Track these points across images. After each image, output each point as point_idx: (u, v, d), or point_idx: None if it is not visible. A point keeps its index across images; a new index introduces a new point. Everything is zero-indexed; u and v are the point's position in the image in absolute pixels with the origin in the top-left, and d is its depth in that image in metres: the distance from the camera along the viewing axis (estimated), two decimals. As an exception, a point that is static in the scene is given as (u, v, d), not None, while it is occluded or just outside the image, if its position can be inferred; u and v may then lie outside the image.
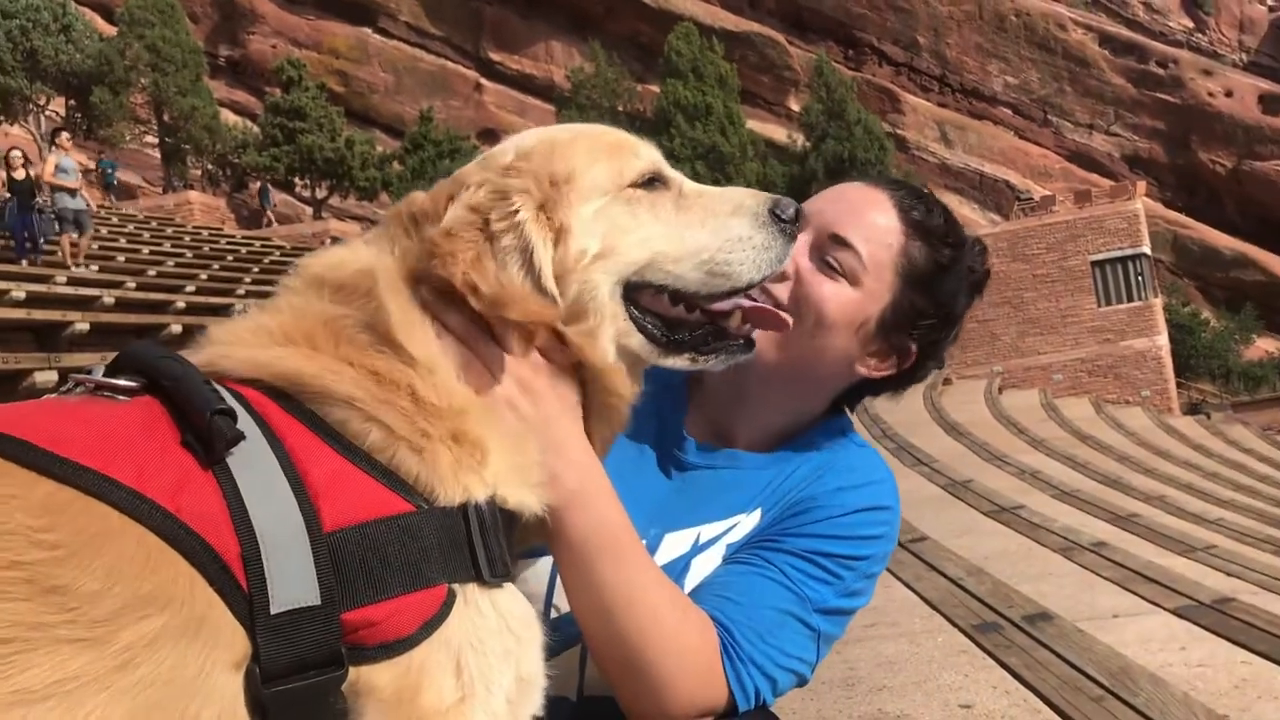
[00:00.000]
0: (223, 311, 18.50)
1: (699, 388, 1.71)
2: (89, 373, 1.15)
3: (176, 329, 15.07)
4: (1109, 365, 36.85)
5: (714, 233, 1.35)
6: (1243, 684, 4.05)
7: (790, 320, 1.48)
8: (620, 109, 47.40)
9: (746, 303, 1.42)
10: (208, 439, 1.03)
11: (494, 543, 1.14)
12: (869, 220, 1.61)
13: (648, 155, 1.40)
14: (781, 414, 1.66)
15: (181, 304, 17.62)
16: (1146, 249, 37.54)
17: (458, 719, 1.06)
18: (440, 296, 1.23)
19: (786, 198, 1.40)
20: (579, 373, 1.34)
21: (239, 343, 1.17)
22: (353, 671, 1.04)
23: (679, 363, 1.38)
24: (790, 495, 1.59)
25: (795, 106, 54.61)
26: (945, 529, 8.33)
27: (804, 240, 1.59)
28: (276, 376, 1.12)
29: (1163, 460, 19.97)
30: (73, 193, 17.97)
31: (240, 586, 0.99)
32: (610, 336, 1.32)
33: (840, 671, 4.36)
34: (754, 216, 1.37)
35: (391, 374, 1.15)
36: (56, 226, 18.54)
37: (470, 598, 1.11)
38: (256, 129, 46.74)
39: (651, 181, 1.37)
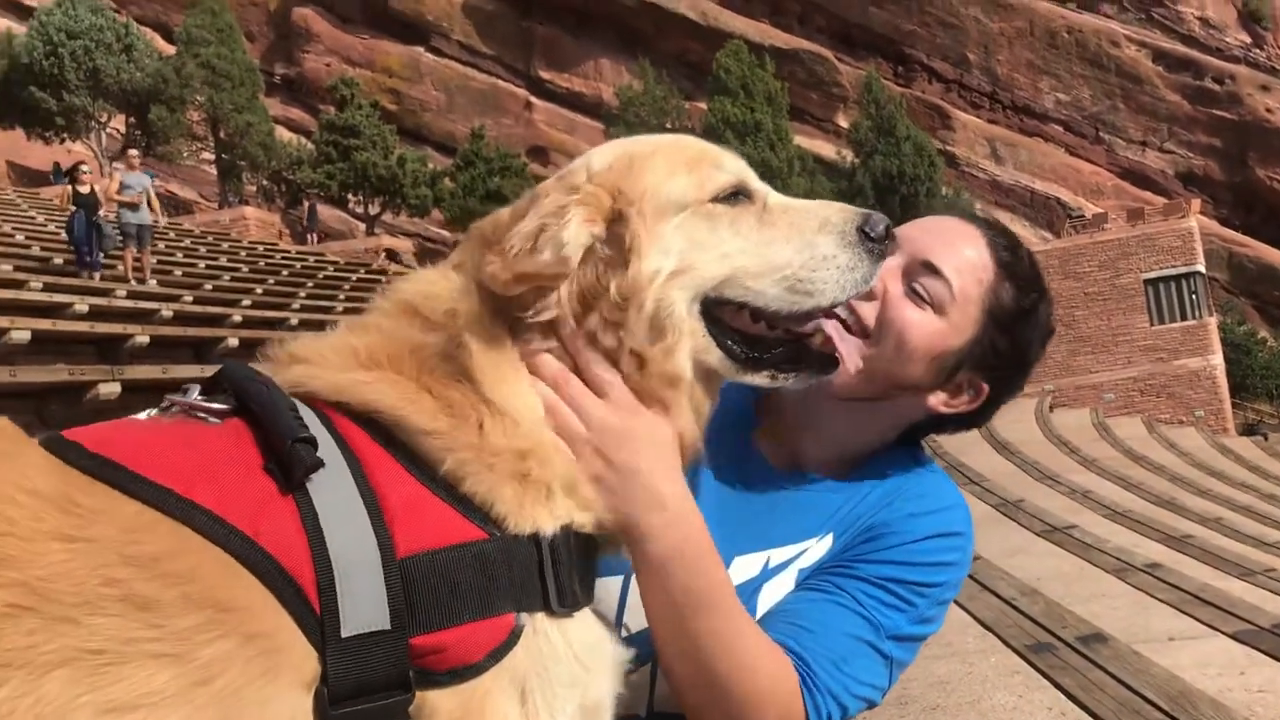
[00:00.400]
0: (279, 325, 18.75)
1: (767, 407, 1.70)
2: (184, 392, 1.20)
3: (233, 342, 15.31)
4: (1162, 385, 36.31)
5: (798, 250, 1.31)
6: (1304, 710, 3.99)
7: (859, 365, 1.47)
8: (668, 126, 47.45)
9: (829, 326, 1.39)
10: (288, 466, 1.06)
11: (565, 573, 1.14)
12: (963, 253, 1.60)
13: (732, 167, 1.35)
14: (852, 438, 1.65)
15: (238, 318, 17.88)
16: (1201, 267, 37.01)
17: None
18: (526, 327, 1.24)
19: (878, 214, 1.35)
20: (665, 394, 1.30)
21: (325, 364, 1.19)
22: (419, 695, 1.06)
23: (758, 379, 1.35)
24: (862, 520, 1.59)
25: (844, 123, 54.48)
26: (997, 549, 8.27)
27: (895, 263, 1.57)
28: (359, 402, 1.15)
29: (1218, 481, 19.63)
30: (134, 207, 18.18)
31: (313, 609, 1.03)
32: (688, 352, 1.29)
33: (893, 691, 4.33)
34: (840, 234, 1.32)
35: (464, 408, 1.16)
36: (119, 240, 18.86)
37: (539, 627, 1.12)
38: (311, 146, 47.38)
39: (735, 195, 1.33)
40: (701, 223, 1.29)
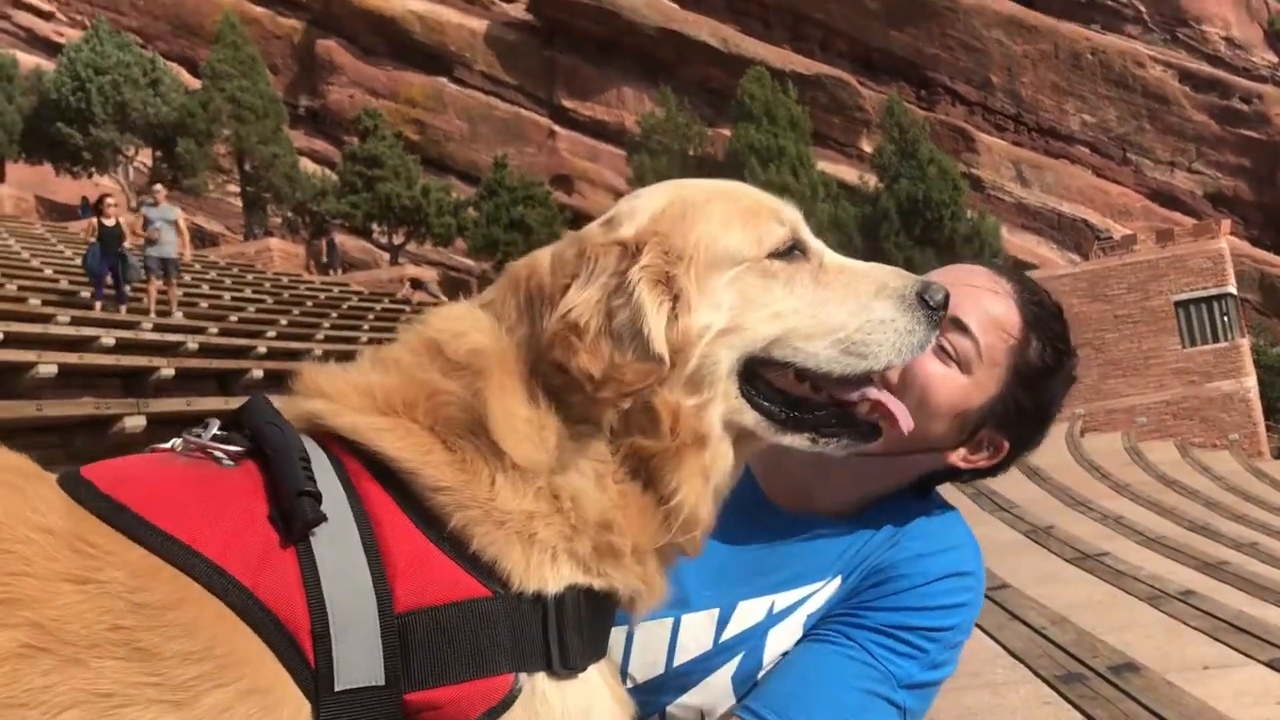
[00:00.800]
0: (303, 356, 18.84)
1: (778, 451, 1.70)
2: (205, 427, 1.21)
3: (258, 374, 15.39)
4: (1195, 408, 35.95)
5: (853, 313, 1.28)
6: (1344, 741, 3.88)
7: (911, 426, 1.43)
8: (691, 153, 47.65)
9: (874, 394, 1.35)
10: (288, 520, 1.07)
11: (571, 632, 1.13)
12: (991, 309, 1.58)
13: (790, 221, 1.32)
14: (864, 488, 1.62)
15: (263, 349, 17.99)
16: (1232, 288, 36.68)
17: None
18: (563, 388, 1.19)
19: (937, 282, 1.33)
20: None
21: (345, 402, 1.18)
22: None
23: (798, 441, 1.31)
24: (869, 562, 1.56)
25: (867, 147, 54.50)
26: (1027, 576, 8.15)
27: None
28: (372, 450, 1.14)
29: (1253, 506, 19.37)
30: (154, 242, 18.26)
31: (308, 662, 1.04)
32: (720, 413, 1.25)
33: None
34: (900, 299, 1.29)
35: (478, 462, 1.14)
36: (143, 273, 18.91)
37: (538, 688, 1.10)
38: (335, 177, 47.84)
39: (791, 250, 1.30)
40: (756, 279, 1.26)
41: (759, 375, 1.27)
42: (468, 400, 1.16)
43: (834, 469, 1.58)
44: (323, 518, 1.07)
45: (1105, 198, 60.77)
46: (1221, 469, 25.74)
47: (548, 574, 1.13)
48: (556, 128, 62.86)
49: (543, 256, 1.27)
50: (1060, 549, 10.24)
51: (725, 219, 1.27)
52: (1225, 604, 7.10)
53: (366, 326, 24.96)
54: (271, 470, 1.11)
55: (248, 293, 26.21)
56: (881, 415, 1.36)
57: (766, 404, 1.28)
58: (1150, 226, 48.52)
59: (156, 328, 16.92)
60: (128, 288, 18.91)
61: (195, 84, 47.47)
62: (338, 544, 1.07)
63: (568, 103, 63.20)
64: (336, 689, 1.04)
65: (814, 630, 1.52)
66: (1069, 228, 59.75)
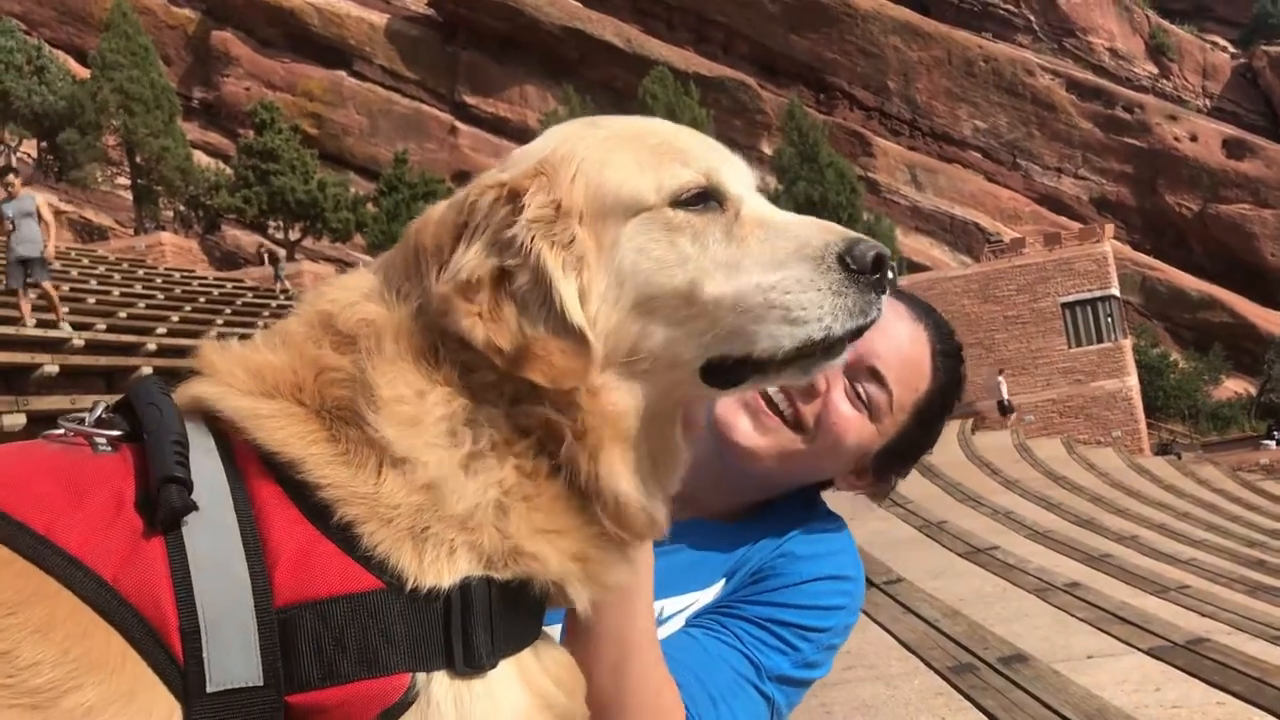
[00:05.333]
0: (194, 352, 18.36)
1: None
2: (91, 411, 1.10)
3: (147, 371, 14.93)
4: (1080, 406, 37.12)
5: (766, 274, 1.09)
6: (1218, 725, 4.05)
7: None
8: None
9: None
10: (153, 508, 0.97)
11: (478, 627, 1.02)
12: (909, 364, 1.61)
13: (702, 163, 1.13)
14: (753, 494, 1.65)
15: (153, 346, 17.47)
16: (1115, 291, 37.97)
17: None
18: (468, 364, 1.06)
19: (868, 240, 1.11)
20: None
21: (233, 381, 1.08)
22: None
23: (739, 390, 1.16)
24: (751, 564, 1.58)
25: (768, 150, 55.09)
26: (920, 570, 8.32)
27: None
28: (253, 438, 1.04)
29: (1135, 500, 20.07)
30: (13, 233, 15.50)
31: (177, 662, 0.94)
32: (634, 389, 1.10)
33: (817, 715, 4.33)
34: (816, 262, 1.09)
35: (363, 449, 1.03)
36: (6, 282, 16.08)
37: (434, 690, 1.00)
38: (229, 171, 46.74)
39: (703, 198, 1.12)
40: (659, 233, 1.09)
41: None
42: (357, 380, 1.04)
43: (732, 482, 1.61)
44: (192, 505, 0.97)
45: (996, 202, 62.42)
46: (1105, 465, 26.60)
47: (442, 569, 1.01)
48: (458, 124, 62.30)
49: (435, 210, 1.13)
50: (952, 543, 10.48)
51: (621, 159, 1.11)
52: (1109, 595, 7.35)
53: (261, 324, 24.39)
54: (146, 456, 1.00)
55: (138, 288, 25.42)
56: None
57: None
58: (1039, 230, 49.96)
59: (40, 324, 16.23)
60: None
61: (84, 73, 45.96)
62: (212, 534, 0.97)
63: (470, 99, 62.67)
64: (209, 690, 0.95)
65: (690, 620, 1.52)
66: (961, 230, 61.22)
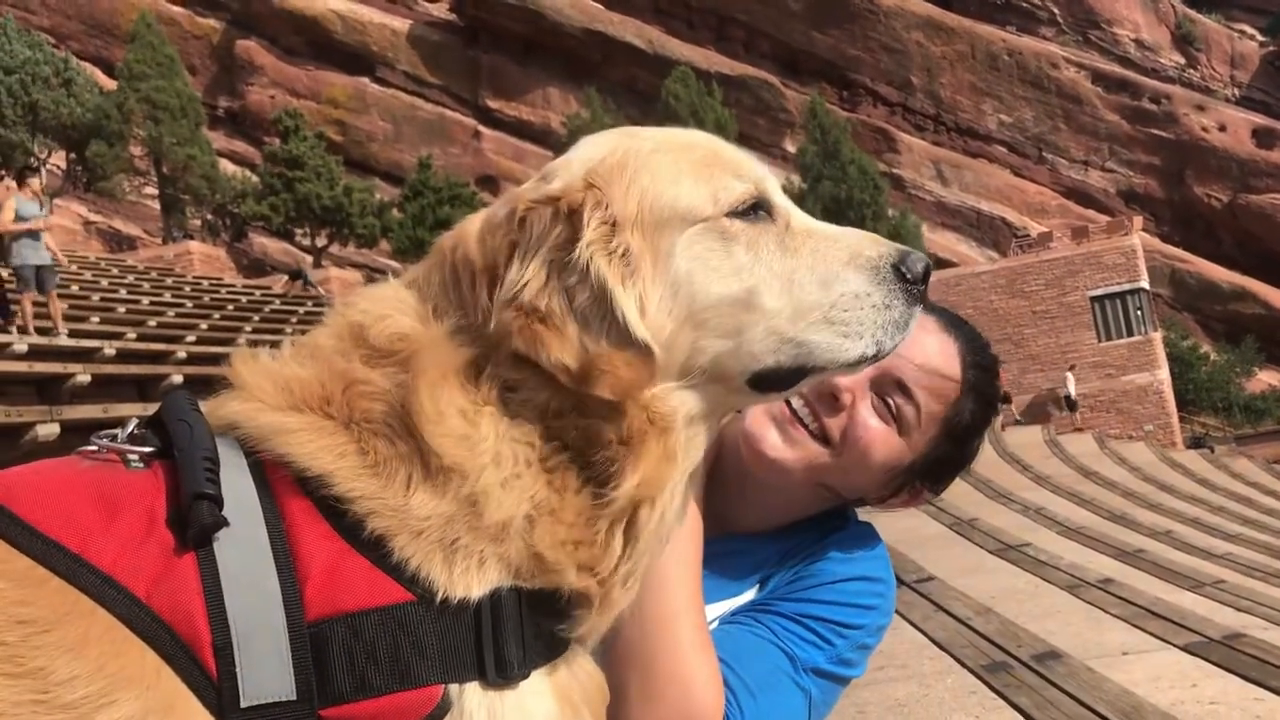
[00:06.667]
0: (224, 361, 18.50)
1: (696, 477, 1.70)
2: (123, 428, 1.12)
3: (178, 379, 15.05)
4: (1110, 400, 36.83)
5: (823, 285, 1.12)
6: (1256, 721, 4.01)
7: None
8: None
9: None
10: (185, 525, 0.99)
11: (508, 639, 1.03)
12: (937, 376, 1.59)
13: (751, 174, 1.16)
14: (785, 513, 1.65)
15: (183, 354, 17.62)
16: (1145, 283, 37.65)
17: None
18: (519, 382, 1.07)
19: (916, 253, 1.16)
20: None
21: (262, 396, 1.09)
22: None
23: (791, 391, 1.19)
24: (785, 570, 1.59)
25: (791, 148, 54.98)
26: (951, 568, 8.29)
27: (866, 374, 1.52)
28: (280, 455, 1.05)
29: (1167, 495, 19.89)
30: (36, 236, 15.02)
31: (211, 677, 0.95)
32: (693, 394, 1.12)
33: (851, 716, 4.32)
34: (874, 271, 1.14)
35: (393, 462, 1.04)
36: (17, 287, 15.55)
37: (466, 703, 1.01)
38: (255, 178, 47.07)
39: (755, 209, 1.14)
40: (715, 243, 1.11)
41: None
42: (391, 393, 1.05)
43: (761, 497, 1.61)
44: (222, 522, 0.98)
45: (1022, 196, 62.03)
46: (1137, 460, 26.38)
47: (472, 580, 1.03)
48: (481, 128, 62.48)
49: (470, 224, 1.15)
50: (983, 540, 10.43)
51: (673, 171, 1.13)
52: (1142, 591, 7.29)
53: (289, 331, 24.57)
54: (178, 472, 1.02)
55: (167, 297, 25.64)
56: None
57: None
58: (1066, 224, 49.66)
59: (72, 334, 16.39)
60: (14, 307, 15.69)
61: (111, 85, 46.39)
62: (243, 549, 0.98)
63: (493, 103, 62.85)
64: (243, 705, 0.95)
65: (725, 619, 1.53)
66: (987, 225, 60.87)
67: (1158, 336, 38.15)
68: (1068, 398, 35.86)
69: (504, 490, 1.04)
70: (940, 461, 1.63)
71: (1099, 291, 37.02)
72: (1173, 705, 4.14)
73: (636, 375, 1.05)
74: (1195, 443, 38.47)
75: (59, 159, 44.33)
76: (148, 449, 1.07)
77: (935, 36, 63.67)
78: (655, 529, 1.11)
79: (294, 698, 0.97)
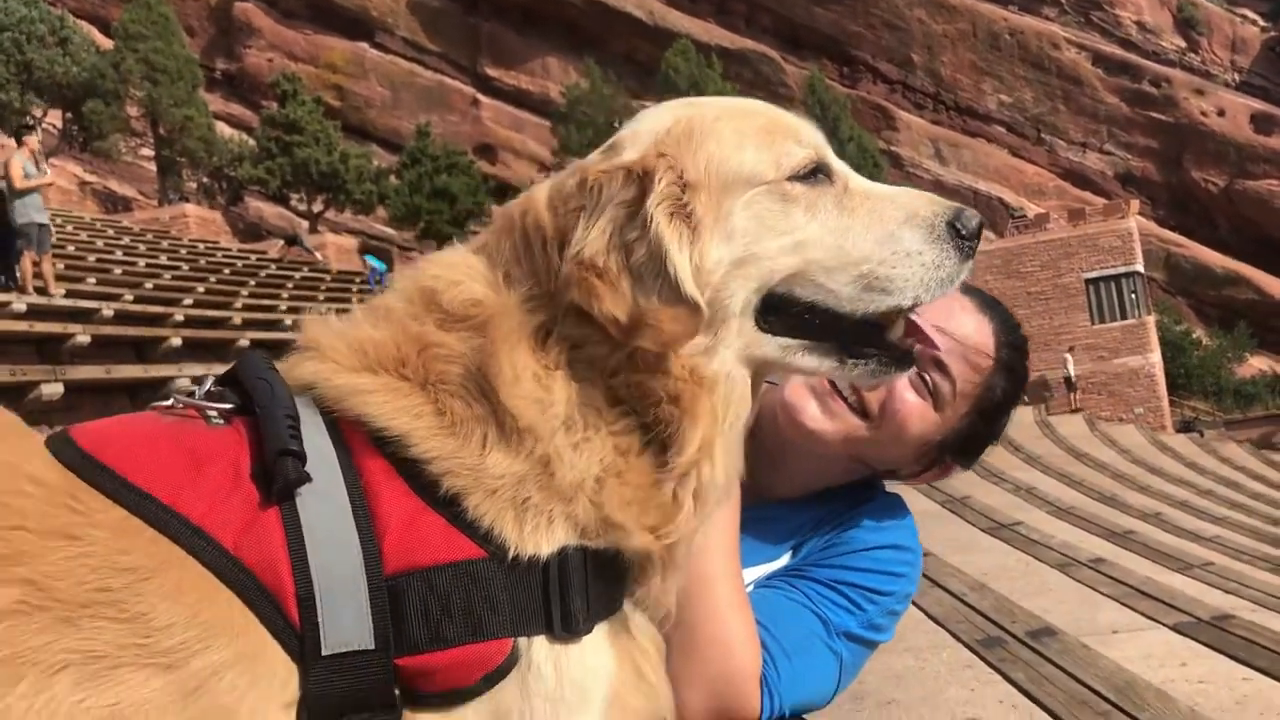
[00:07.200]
0: (222, 325, 18.46)
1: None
2: (199, 385, 1.17)
3: (176, 342, 15.05)
4: (1102, 383, 36.97)
5: (879, 242, 1.18)
6: (1244, 700, 4.09)
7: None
8: (615, 125, 47.32)
9: (912, 315, 1.26)
10: (271, 479, 1.03)
11: (574, 595, 1.08)
12: (973, 354, 1.65)
13: (811, 140, 1.22)
14: (819, 481, 1.71)
15: (180, 317, 17.58)
16: (1140, 267, 37.73)
17: None
18: (580, 338, 1.13)
19: (969, 209, 1.22)
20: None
21: (336, 358, 1.13)
22: (408, 716, 1.04)
23: (823, 366, 1.23)
24: (817, 537, 1.66)
25: (790, 123, 54.73)
26: (945, 545, 8.37)
27: None
28: (357, 415, 1.09)
29: (1157, 478, 20.05)
30: (29, 195, 14.59)
31: (294, 626, 1.00)
32: (735, 349, 1.17)
33: (850, 686, 4.39)
34: (929, 229, 1.19)
35: (469, 423, 1.09)
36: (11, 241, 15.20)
37: (535, 655, 1.06)
38: (252, 142, 46.81)
39: (814, 173, 1.20)
40: (775, 204, 1.17)
41: (780, 310, 1.18)
42: (467, 356, 1.10)
43: (797, 464, 1.67)
44: (305, 479, 1.03)
45: (1020, 176, 61.95)
46: (1127, 442, 26.55)
47: (541, 538, 1.08)
48: (480, 96, 62.13)
49: (539, 192, 1.19)
50: (975, 519, 10.54)
51: (737, 137, 1.18)
52: (1133, 571, 7.40)
53: (285, 295, 24.52)
54: (258, 428, 1.07)
55: (163, 259, 25.52)
56: (917, 339, 1.28)
57: (787, 329, 1.19)
58: (1063, 205, 49.64)
59: (69, 294, 16.33)
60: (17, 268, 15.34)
61: (107, 44, 46.01)
62: (324, 505, 1.03)
63: (492, 71, 62.50)
64: (324, 653, 1.00)
65: (760, 584, 1.59)
66: (985, 206, 60.76)
67: (1151, 320, 38.26)
68: (1067, 379, 35.96)
69: (575, 452, 1.10)
70: (970, 437, 1.69)
71: (1094, 274, 37.10)
72: (1164, 683, 4.22)
73: (681, 329, 1.10)
74: (1185, 426, 38.68)
75: (54, 118, 44.00)
76: (227, 406, 1.12)
77: (937, 14, 63.38)
78: (718, 487, 1.16)
79: (372, 647, 1.02)
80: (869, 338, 1.22)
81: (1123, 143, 62.59)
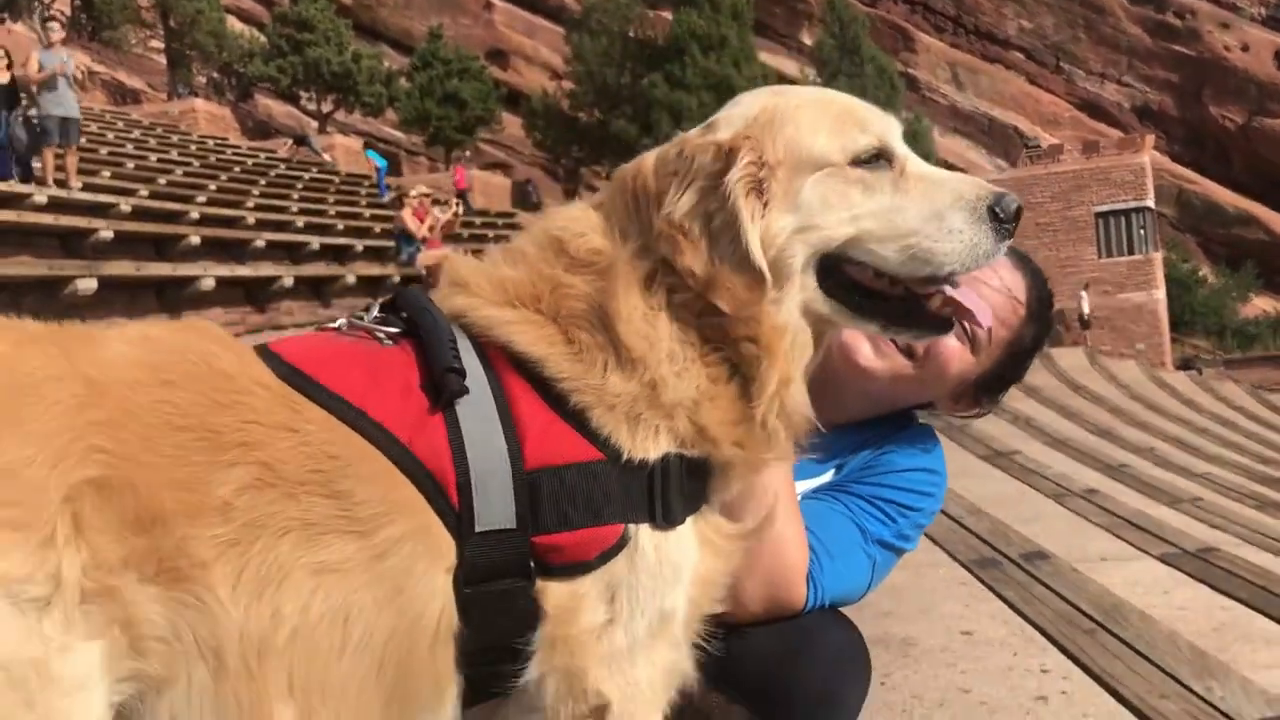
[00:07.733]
0: (236, 224, 18.52)
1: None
2: (367, 310, 1.45)
3: (195, 240, 15.14)
4: (1105, 317, 37.00)
5: (925, 219, 1.39)
6: (1222, 627, 4.28)
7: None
8: (631, 34, 46.74)
9: (951, 292, 1.47)
10: (439, 390, 1.30)
11: (672, 493, 1.34)
12: (1008, 306, 1.91)
13: (876, 130, 1.44)
14: (864, 411, 1.96)
15: (195, 214, 17.66)
16: (1150, 203, 37.52)
17: (603, 635, 1.32)
18: (673, 285, 1.38)
19: (1010, 195, 1.42)
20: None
21: (481, 293, 1.40)
22: (539, 583, 1.30)
23: (870, 328, 1.48)
24: (859, 458, 1.92)
25: (808, 40, 54.05)
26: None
27: None
28: (502, 341, 1.35)
29: (1153, 414, 20.18)
30: (52, 87, 14.60)
31: (455, 509, 1.27)
32: (796, 304, 1.40)
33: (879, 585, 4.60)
34: (971, 211, 1.40)
35: (593, 350, 1.34)
36: (35, 136, 15.19)
37: (640, 539, 1.32)
38: (263, 39, 46.23)
39: (876, 158, 1.42)
40: (837, 185, 1.39)
41: (838, 269, 1.42)
42: (591, 295, 1.35)
43: (842, 396, 1.91)
44: (465, 390, 1.30)
45: (1036, 105, 61.23)
46: (1126, 377, 26.65)
47: (649, 446, 1.34)
48: None
49: (648, 159, 1.44)
50: (973, 446, 10.73)
51: (813, 125, 1.41)
52: (1124, 503, 7.60)
53: (295, 196, 24.54)
54: (424, 349, 1.34)
55: (174, 154, 25.49)
56: (958, 313, 1.49)
57: (842, 294, 1.42)
58: (1077, 136, 49.17)
59: (86, 187, 16.36)
60: (33, 159, 15.48)
61: (119, -70, 45.20)
62: (478, 413, 1.30)
63: (506, -27, 61.45)
64: (477, 530, 1.28)
65: (807, 495, 1.85)
66: (999, 134, 60.21)
67: (1158, 256, 38.16)
68: (1081, 316, 35.87)
69: (678, 378, 1.36)
70: (1000, 378, 1.97)
71: (1104, 208, 36.93)
72: (1147, 608, 4.43)
73: (750, 297, 1.36)
74: (1184, 364, 38.79)
75: (64, 4, 43.38)
76: (394, 329, 1.39)
77: (962, -66, 62.08)
78: (800, 416, 1.43)
79: (514, 527, 1.29)
80: (910, 311, 1.47)
81: (1142, 75, 61.73)
